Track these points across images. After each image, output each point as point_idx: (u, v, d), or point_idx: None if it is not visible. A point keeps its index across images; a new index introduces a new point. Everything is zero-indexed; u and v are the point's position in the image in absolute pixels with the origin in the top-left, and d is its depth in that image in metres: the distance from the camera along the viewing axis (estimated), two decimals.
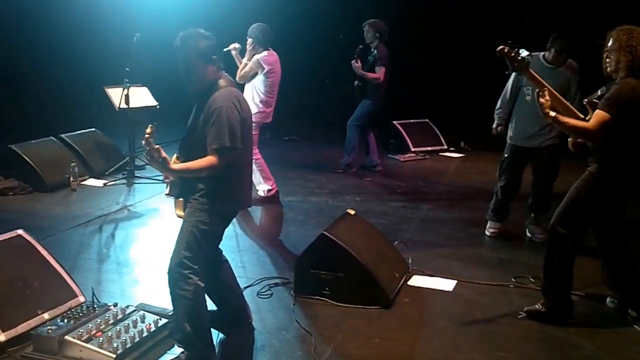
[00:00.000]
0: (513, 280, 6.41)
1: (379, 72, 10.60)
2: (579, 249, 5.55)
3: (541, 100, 5.07)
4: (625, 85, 5.06)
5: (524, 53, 5.20)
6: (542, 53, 7.27)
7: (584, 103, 5.46)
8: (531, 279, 6.38)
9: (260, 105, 8.67)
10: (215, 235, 4.81)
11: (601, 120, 5.03)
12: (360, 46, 10.88)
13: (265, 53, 8.68)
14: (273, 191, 8.98)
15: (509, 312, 5.74)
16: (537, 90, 5.16)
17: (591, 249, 5.89)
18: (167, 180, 4.85)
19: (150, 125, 4.28)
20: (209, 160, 4.43)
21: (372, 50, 10.76)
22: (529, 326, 5.50)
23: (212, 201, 4.60)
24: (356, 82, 10.92)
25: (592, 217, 5.50)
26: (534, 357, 5.09)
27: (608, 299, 5.92)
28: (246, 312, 5.39)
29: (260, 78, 8.66)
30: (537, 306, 5.60)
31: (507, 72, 5.32)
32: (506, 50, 5.19)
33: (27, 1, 13.48)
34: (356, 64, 10.69)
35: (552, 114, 5.07)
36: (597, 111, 5.08)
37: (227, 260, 5.34)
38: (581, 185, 5.41)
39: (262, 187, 8.95)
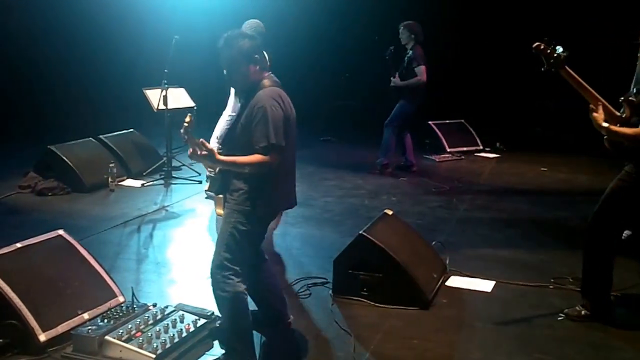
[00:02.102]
0: (552, 281, 6.36)
1: (419, 72, 10.58)
2: (618, 249, 5.48)
3: (594, 115, 4.97)
4: None
5: (560, 49, 5.14)
6: None
7: (620, 101, 5.40)
8: (570, 280, 6.31)
9: None
10: (256, 236, 4.76)
11: None
12: (392, 48, 10.86)
13: None
14: None
15: (548, 313, 5.69)
16: (590, 105, 5.07)
17: (632, 250, 5.82)
18: (209, 173, 4.80)
19: (189, 114, 4.28)
20: (257, 157, 4.41)
21: (408, 51, 10.74)
22: (569, 328, 5.45)
23: (254, 203, 4.56)
24: (392, 81, 10.90)
25: (629, 217, 5.44)
26: (574, 359, 5.03)
27: None
28: (285, 313, 5.32)
29: None
30: (577, 308, 5.54)
31: (542, 69, 5.25)
32: (542, 47, 5.13)
33: (65, 3, 13.62)
34: (394, 79, 10.73)
35: (605, 125, 4.95)
36: None
37: (267, 260, 5.30)
38: (618, 185, 5.34)
39: None
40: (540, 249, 7.40)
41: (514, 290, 6.22)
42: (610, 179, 5.47)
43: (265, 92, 4.55)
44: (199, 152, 4.32)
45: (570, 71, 5.17)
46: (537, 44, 5.15)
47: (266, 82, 4.63)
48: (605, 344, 5.21)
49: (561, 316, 5.58)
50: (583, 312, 5.50)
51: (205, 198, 9.21)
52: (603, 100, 5.25)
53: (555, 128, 13.97)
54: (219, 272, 4.58)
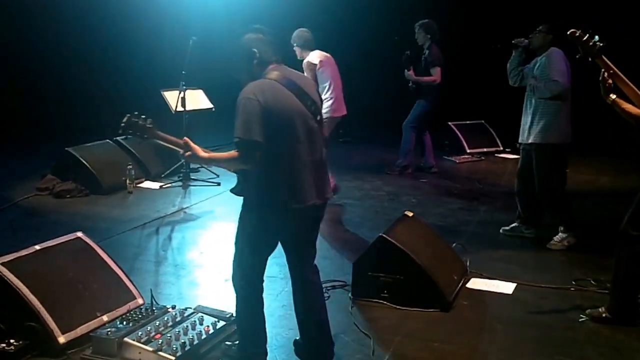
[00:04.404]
0: (574, 283, 6.29)
1: (435, 73, 10.53)
2: None
3: (603, 78, 4.98)
4: None
5: (597, 38, 5.06)
6: None
7: None
8: (592, 282, 6.26)
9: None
10: (258, 237, 4.43)
11: None
12: (407, 52, 10.80)
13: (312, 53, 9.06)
14: None
15: (570, 315, 5.63)
16: (602, 69, 5.04)
17: None
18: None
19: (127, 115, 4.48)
20: (231, 153, 4.19)
21: (425, 50, 10.69)
22: (591, 330, 5.38)
23: (258, 203, 4.35)
24: (410, 84, 10.83)
25: None
26: None
27: None
28: (329, 354, 4.79)
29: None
30: (600, 310, 5.47)
31: (577, 57, 5.16)
32: (578, 34, 5.05)
33: (83, 5, 13.67)
34: (408, 72, 10.67)
35: (613, 96, 4.98)
36: None
37: (312, 285, 4.82)
38: None
39: None
40: (562, 250, 7.31)
41: (535, 292, 6.15)
42: (633, 179, 5.40)
43: (249, 85, 4.27)
44: (185, 153, 4.28)
45: (607, 60, 5.07)
46: (572, 30, 5.07)
47: (272, 74, 4.35)
48: (627, 346, 5.14)
49: (582, 318, 5.52)
50: (604, 315, 5.43)
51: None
52: (638, 92, 5.15)
53: None
54: (233, 270, 4.55)
